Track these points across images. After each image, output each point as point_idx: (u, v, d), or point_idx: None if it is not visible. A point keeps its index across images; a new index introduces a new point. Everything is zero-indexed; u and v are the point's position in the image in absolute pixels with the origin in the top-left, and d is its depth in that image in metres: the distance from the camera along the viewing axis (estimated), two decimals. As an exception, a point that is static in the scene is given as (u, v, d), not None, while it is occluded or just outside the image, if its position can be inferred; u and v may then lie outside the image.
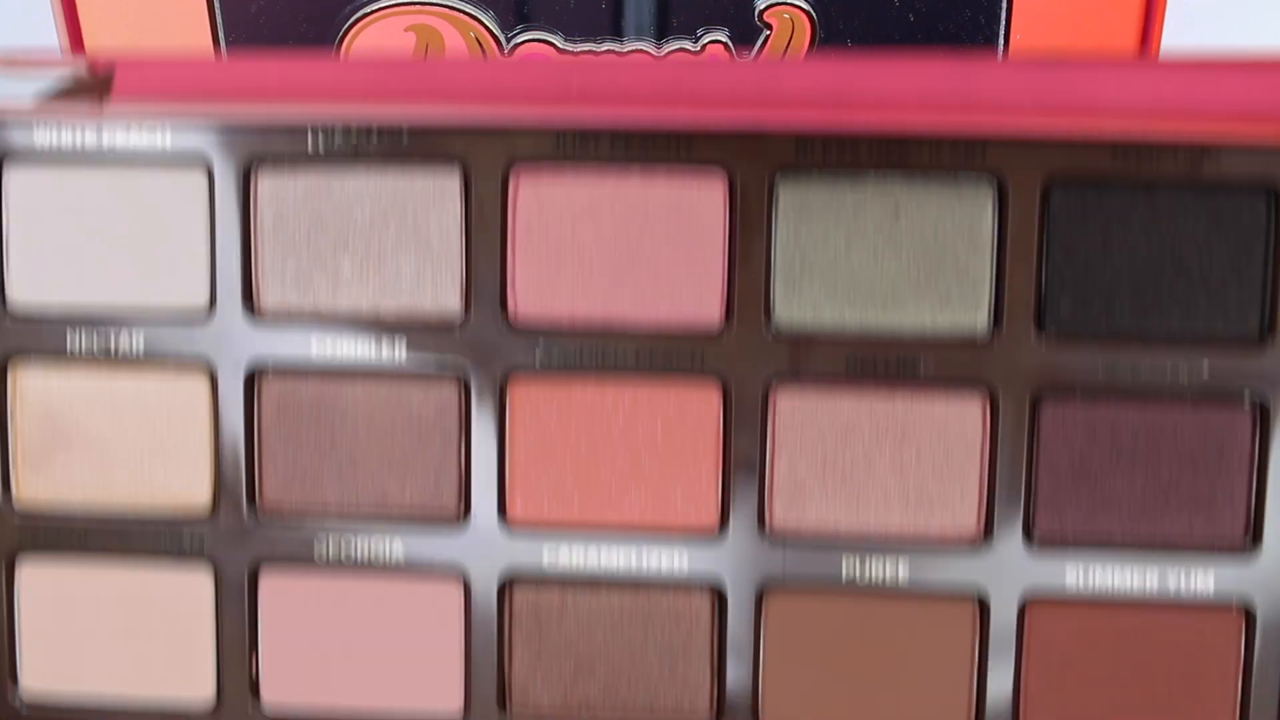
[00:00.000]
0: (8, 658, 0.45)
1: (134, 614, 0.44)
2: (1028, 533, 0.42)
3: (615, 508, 0.43)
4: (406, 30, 0.48)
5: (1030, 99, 0.41)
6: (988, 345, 0.42)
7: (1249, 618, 0.42)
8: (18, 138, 0.43)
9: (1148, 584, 0.42)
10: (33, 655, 0.45)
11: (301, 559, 0.44)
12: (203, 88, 0.43)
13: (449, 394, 0.43)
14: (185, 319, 0.43)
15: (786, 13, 0.47)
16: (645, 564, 0.43)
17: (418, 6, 0.48)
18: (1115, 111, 0.41)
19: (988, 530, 0.42)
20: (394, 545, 0.43)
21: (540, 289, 0.42)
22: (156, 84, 0.43)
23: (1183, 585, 0.42)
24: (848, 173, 0.41)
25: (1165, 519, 0.42)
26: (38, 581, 0.45)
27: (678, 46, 0.48)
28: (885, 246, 0.42)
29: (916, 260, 0.42)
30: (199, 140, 0.42)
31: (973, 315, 0.42)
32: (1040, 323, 0.41)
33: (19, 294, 0.44)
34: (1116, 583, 0.42)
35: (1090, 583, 0.42)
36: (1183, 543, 0.42)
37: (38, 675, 0.45)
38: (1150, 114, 0.41)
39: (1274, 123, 0.40)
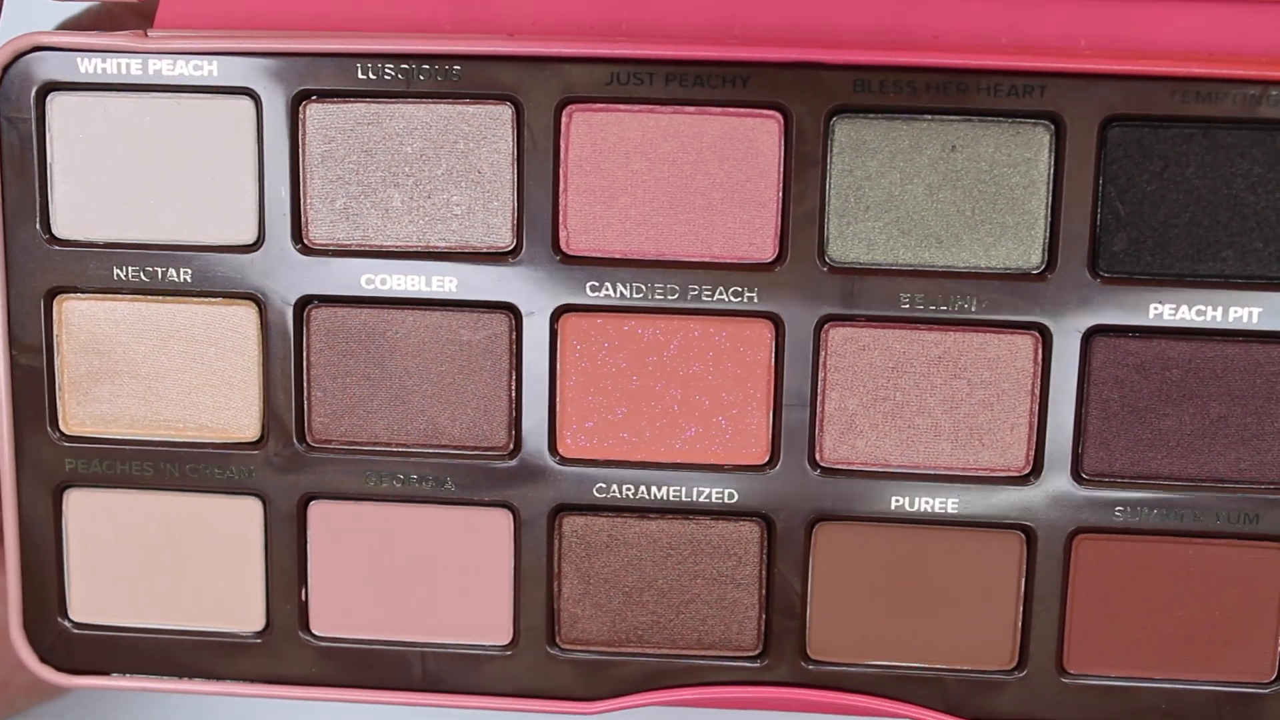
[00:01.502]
0: (56, 589, 0.45)
1: (182, 545, 0.45)
2: (1076, 469, 0.43)
3: (665, 442, 0.43)
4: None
5: (1088, 39, 0.41)
6: (1041, 282, 0.42)
7: (1292, 552, 0.43)
8: (62, 68, 0.42)
9: (1195, 520, 0.43)
10: (80, 586, 0.45)
11: (350, 490, 0.44)
12: (249, 17, 0.42)
13: (500, 326, 0.43)
14: (233, 250, 0.43)
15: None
16: (696, 497, 0.43)
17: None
18: (1174, 53, 0.41)
19: (1037, 466, 0.43)
20: (443, 476, 0.44)
21: (592, 224, 0.42)
22: (201, 13, 0.43)
23: (1229, 520, 0.42)
24: (904, 109, 0.41)
25: (1213, 455, 0.42)
26: (85, 512, 0.45)
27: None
28: (940, 183, 0.41)
29: (971, 197, 0.41)
30: (246, 71, 0.42)
31: (1027, 252, 0.42)
32: (1094, 262, 0.42)
33: (64, 225, 0.43)
34: (1163, 518, 0.43)
35: (1137, 518, 0.43)
36: (1230, 479, 0.43)
37: (86, 606, 0.45)
38: (1209, 54, 0.41)
39: (1334, 62, 0.40)
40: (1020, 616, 0.44)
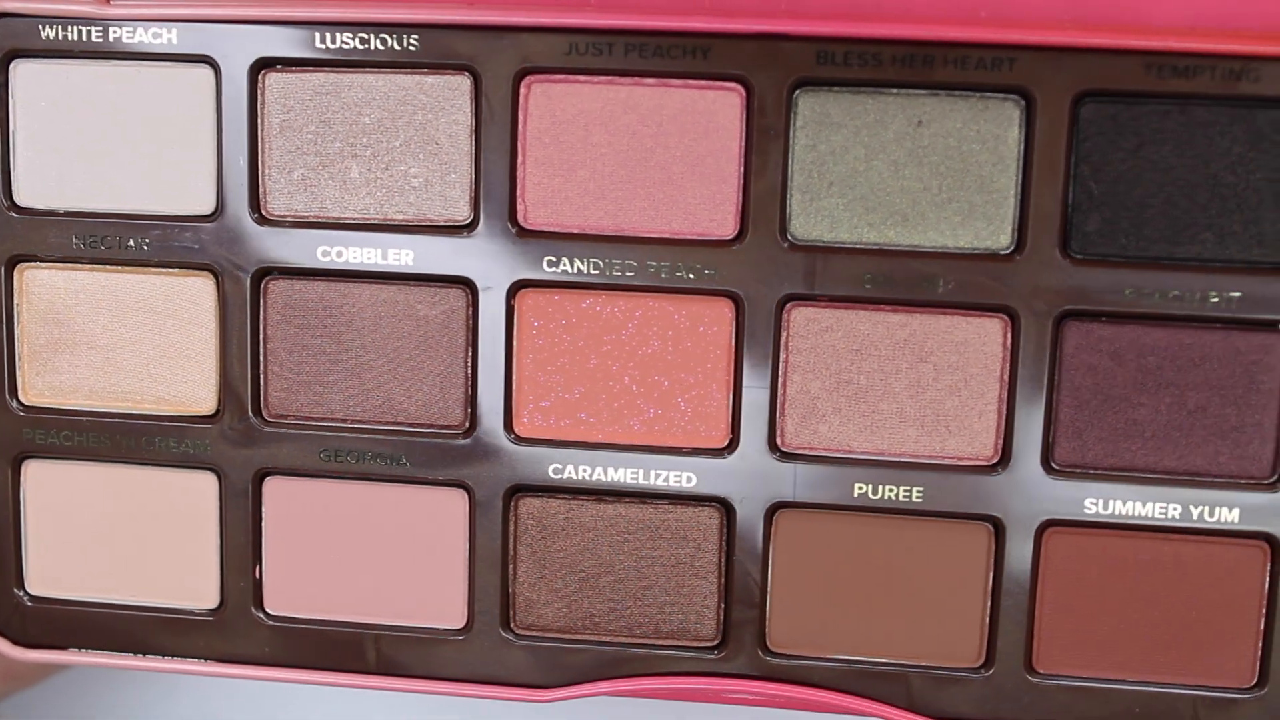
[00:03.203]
0: (14, 560, 0.45)
1: (138, 518, 0.44)
2: (1047, 458, 0.41)
3: (623, 422, 0.42)
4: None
5: (1061, 13, 0.40)
6: (1010, 264, 0.40)
7: (1274, 550, 0.41)
8: (24, 34, 0.42)
9: (1170, 514, 0.41)
10: (37, 559, 0.45)
11: (306, 466, 0.43)
12: (211, -16, 0.42)
13: (456, 301, 0.42)
14: (191, 220, 0.42)
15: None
16: (653, 480, 0.42)
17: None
18: (1150, 28, 0.39)
19: (1005, 454, 0.41)
20: (398, 454, 0.43)
21: (550, 197, 0.41)
22: (164, -21, 0.42)
23: (1206, 516, 0.41)
24: (869, 83, 0.40)
25: (1191, 447, 0.41)
26: (43, 484, 0.44)
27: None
28: (906, 160, 0.40)
29: (939, 175, 0.40)
30: (205, 39, 0.41)
31: (996, 232, 0.40)
32: (1066, 242, 0.40)
33: (26, 192, 0.43)
34: (1138, 512, 0.41)
35: (1111, 511, 0.41)
36: (1208, 472, 0.41)
37: (43, 579, 0.45)
38: (1187, 30, 0.39)
39: (1317, 37, 0.39)
40: (988, 612, 0.42)
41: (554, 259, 0.41)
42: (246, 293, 0.42)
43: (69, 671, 0.54)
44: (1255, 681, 0.42)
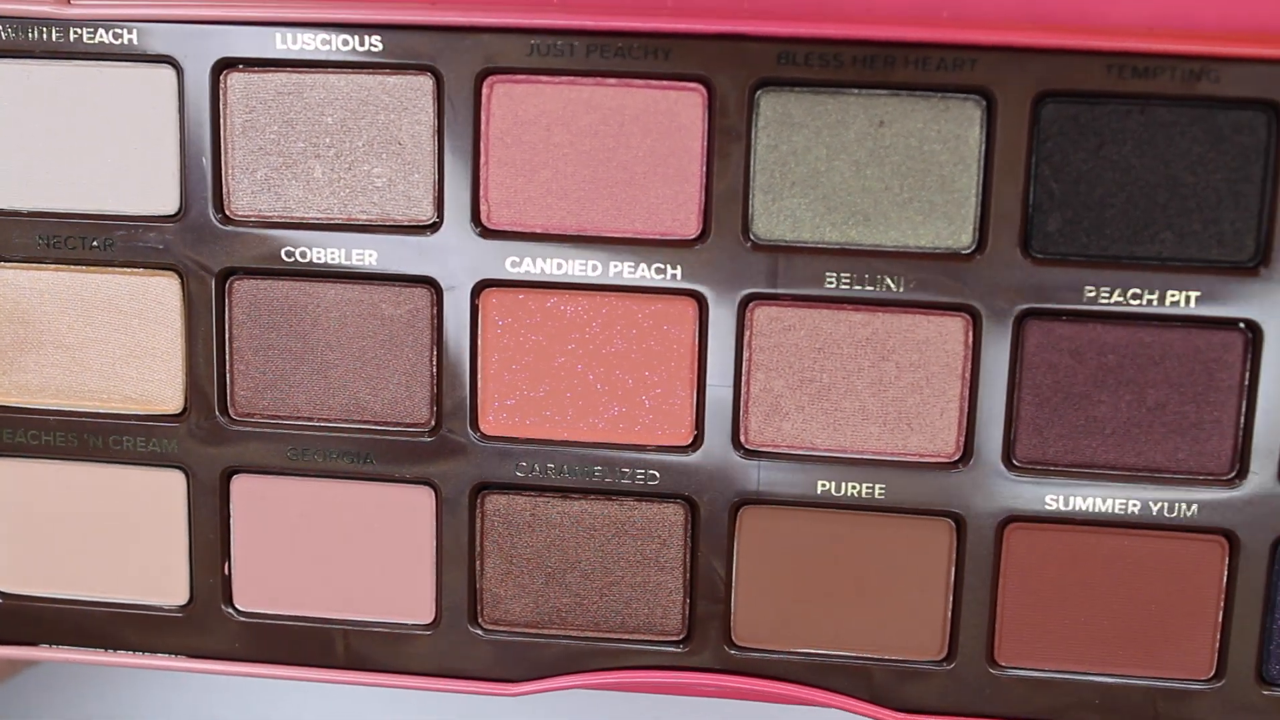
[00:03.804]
0: (-18, 557, 0.45)
1: (107, 517, 0.44)
2: (1008, 455, 0.41)
3: (587, 420, 0.42)
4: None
5: (1022, 14, 0.40)
6: (971, 263, 0.40)
7: (1232, 545, 0.41)
8: (-16, 33, 0.42)
9: (1129, 509, 0.41)
10: (5, 556, 0.45)
11: (273, 464, 0.43)
12: (172, -17, 0.42)
13: (421, 301, 0.42)
14: (155, 220, 0.42)
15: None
16: (618, 478, 0.42)
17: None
18: (1111, 29, 0.39)
19: (967, 451, 0.41)
20: (365, 452, 0.43)
21: (513, 197, 0.41)
22: (125, -21, 0.42)
23: (1165, 511, 0.41)
24: (830, 83, 0.40)
25: (1150, 444, 0.41)
26: (11, 482, 0.44)
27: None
28: (868, 160, 0.40)
29: (900, 175, 0.40)
30: (166, 39, 0.41)
31: (957, 232, 0.40)
32: (1026, 242, 0.40)
33: (-11, 192, 0.43)
34: (1098, 507, 0.41)
35: (1071, 507, 0.41)
36: (1167, 468, 0.41)
37: (11, 576, 0.45)
38: (1147, 31, 0.39)
39: (1276, 41, 0.39)
40: (949, 606, 0.42)
41: (517, 258, 0.41)
42: (212, 292, 0.43)
43: (39, 668, 0.54)
44: (1213, 673, 0.42)
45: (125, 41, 0.41)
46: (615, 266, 0.41)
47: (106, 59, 0.42)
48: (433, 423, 0.43)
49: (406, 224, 0.42)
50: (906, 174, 0.40)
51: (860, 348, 0.41)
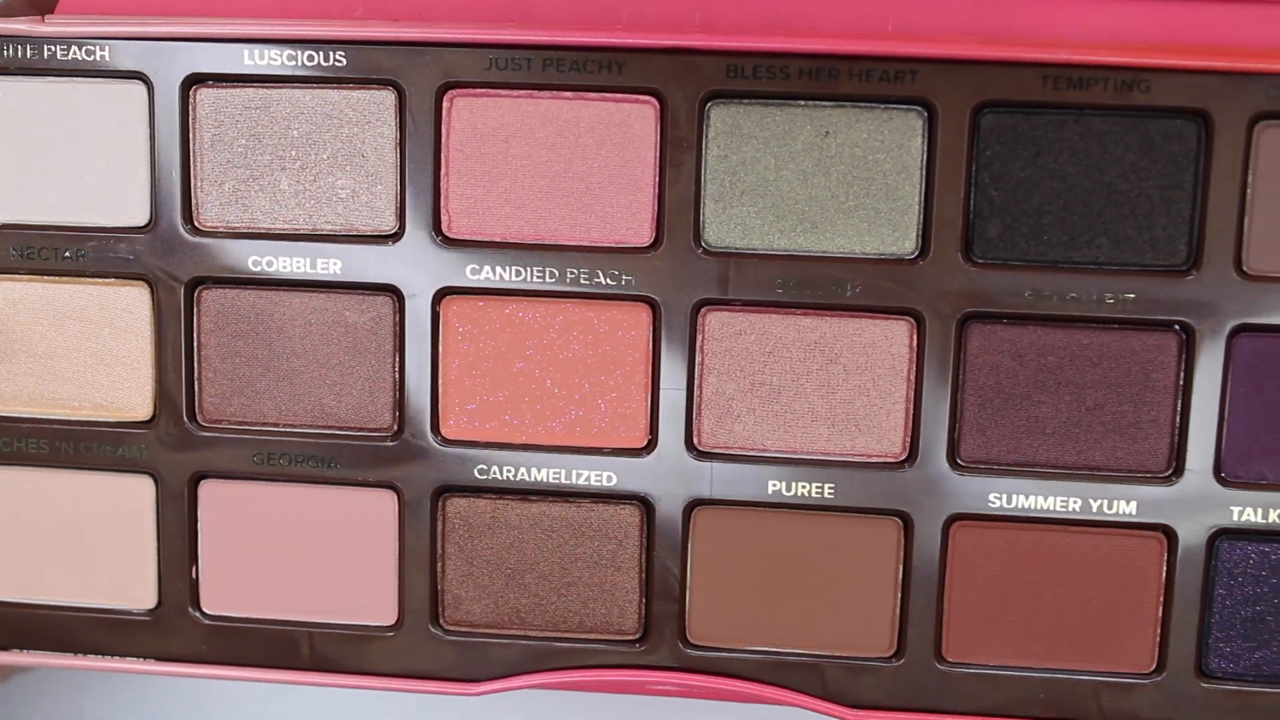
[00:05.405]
0: (-45, 562, 0.46)
1: (77, 522, 0.45)
2: (953, 454, 0.43)
3: (546, 424, 0.44)
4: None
5: (962, 27, 0.41)
6: (915, 268, 0.42)
7: (1170, 541, 0.43)
8: (-40, 51, 0.43)
9: (1070, 507, 0.42)
10: (-22, 560, 0.46)
11: (240, 469, 0.45)
12: (145, 4, 0.43)
13: (384, 308, 0.43)
14: (127, 232, 0.44)
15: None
16: (575, 480, 0.44)
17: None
18: (1047, 41, 0.41)
19: (913, 451, 0.43)
20: (330, 456, 0.44)
21: (473, 207, 0.43)
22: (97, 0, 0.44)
23: (1105, 509, 0.42)
24: (777, 95, 0.41)
25: (1090, 443, 0.42)
26: (-17, 488, 0.46)
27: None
28: (815, 169, 0.42)
29: (845, 183, 0.42)
30: (137, 56, 0.43)
31: (901, 238, 0.42)
32: (968, 247, 0.42)
33: (-36, 206, 0.44)
34: (1040, 505, 0.43)
35: (1014, 505, 0.43)
36: (1106, 466, 0.42)
37: (-18, 580, 0.46)
38: (1082, 43, 0.41)
39: (1205, 53, 0.40)
40: (898, 603, 0.44)
41: (477, 267, 0.43)
42: (181, 301, 0.44)
43: (25, 676, 0.55)
44: (1154, 667, 0.43)
45: (97, 58, 0.43)
46: (572, 274, 0.43)
47: (79, 75, 0.43)
48: (395, 427, 0.44)
49: (370, 234, 0.43)
50: (852, 182, 0.42)
51: (809, 351, 0.43)
